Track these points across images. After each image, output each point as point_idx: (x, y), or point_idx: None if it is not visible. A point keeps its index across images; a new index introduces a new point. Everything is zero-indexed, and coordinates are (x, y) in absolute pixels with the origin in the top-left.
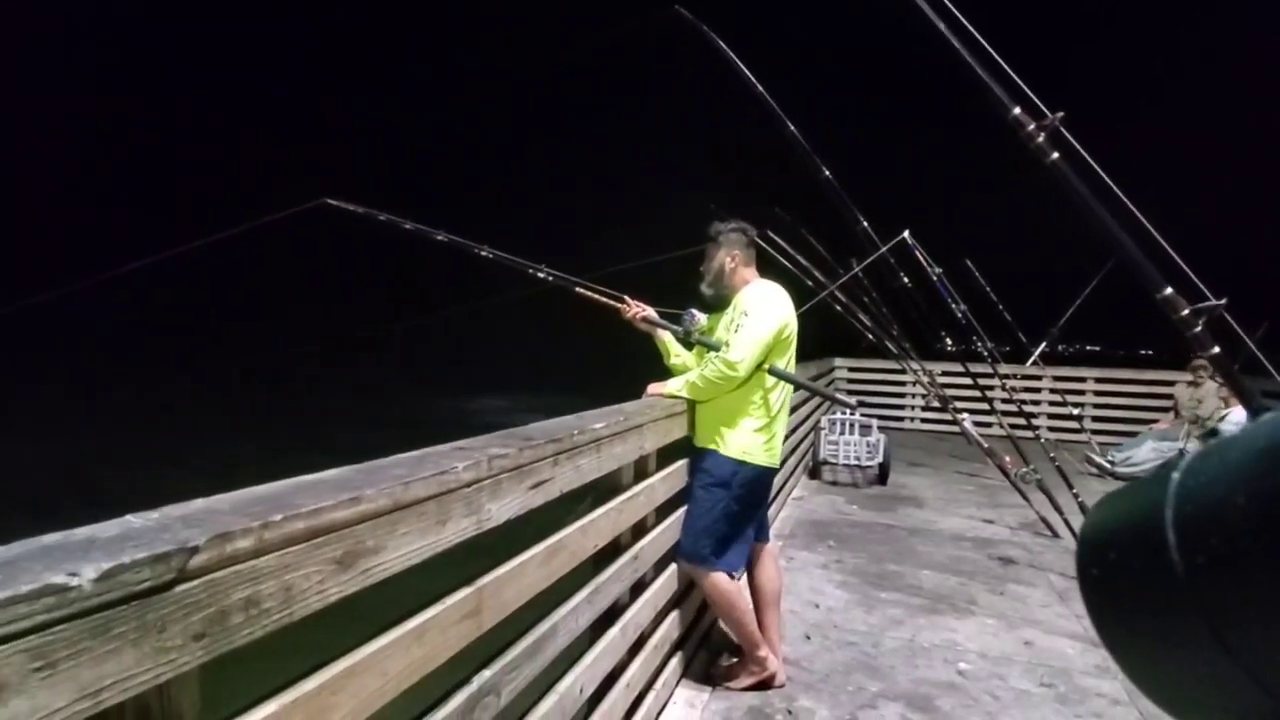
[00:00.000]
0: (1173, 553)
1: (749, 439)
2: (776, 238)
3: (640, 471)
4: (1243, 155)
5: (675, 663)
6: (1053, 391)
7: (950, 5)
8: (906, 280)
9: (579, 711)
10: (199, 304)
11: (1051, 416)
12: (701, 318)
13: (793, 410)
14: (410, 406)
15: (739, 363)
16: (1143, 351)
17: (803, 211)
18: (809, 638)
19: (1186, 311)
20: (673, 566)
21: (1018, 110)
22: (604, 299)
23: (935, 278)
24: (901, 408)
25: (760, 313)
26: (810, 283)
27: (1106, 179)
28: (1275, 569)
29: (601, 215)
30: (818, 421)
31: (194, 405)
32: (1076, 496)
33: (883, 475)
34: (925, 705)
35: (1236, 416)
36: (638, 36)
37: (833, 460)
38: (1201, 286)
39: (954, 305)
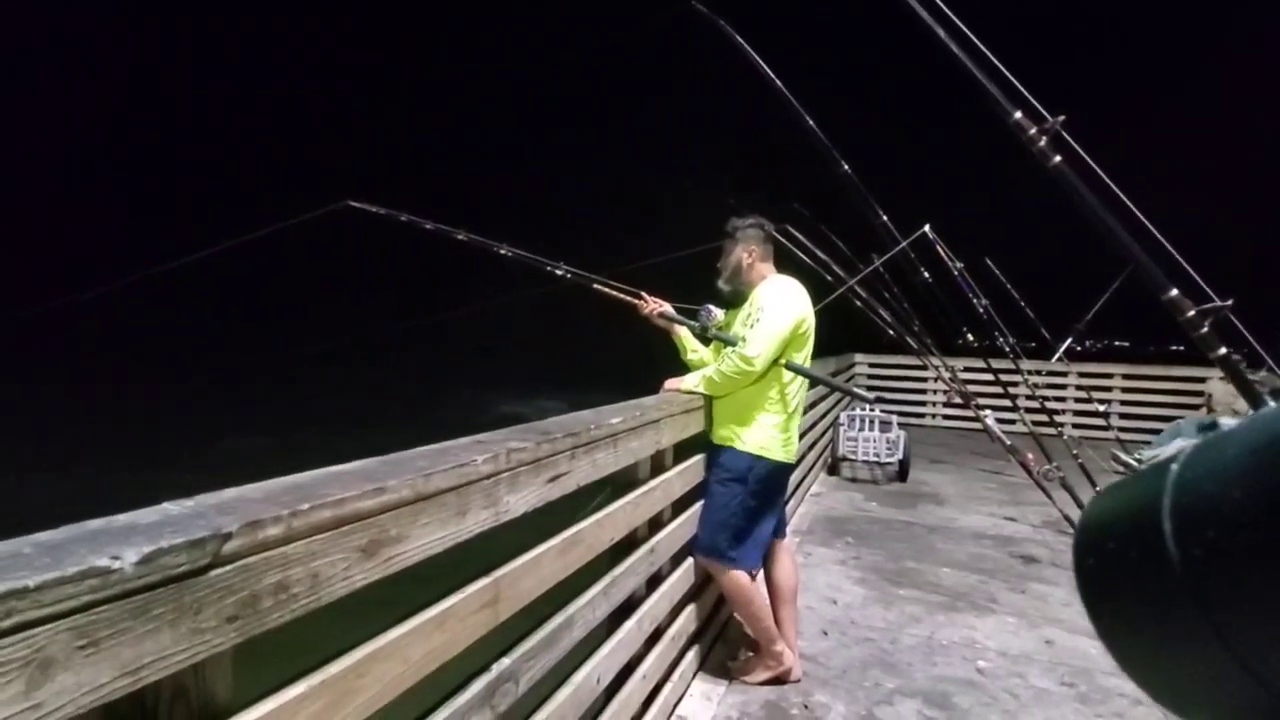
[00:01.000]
0: (1169, 545)
1: (766, 434)
2: (795, 233)
3: (657, 466)
4: (1256, 153)
5: (692, 656)
6: (1078, 388)
7: (947, 9)
8: (927, 275)
9: (596, 701)
10: (222, 306)
11: (1077, 414)
12: (719, 313)
13: (812, 406)
14: (431, 403)
15: (755, 358)
16: (1174, 347)
17: (822, 207)
18: (826, 633)
19: (1193, 313)
20: (689, 560)
21: (1019, 115)
22: (621, 295)
23: (957, 272)
24: (922, 404)
25: (777, 308)
26: (830, 278)
27: (1109, 182)
28: (1271, 564)
29: (619, 213)
30: (836, 417)
31: (213, 403)
32: (1099, 493)
33: (903, 472)
34: (943, 702)
35: None
36: (655, 33)
37: (851, 457)
38: (1205, 288)
39: (976, 300)
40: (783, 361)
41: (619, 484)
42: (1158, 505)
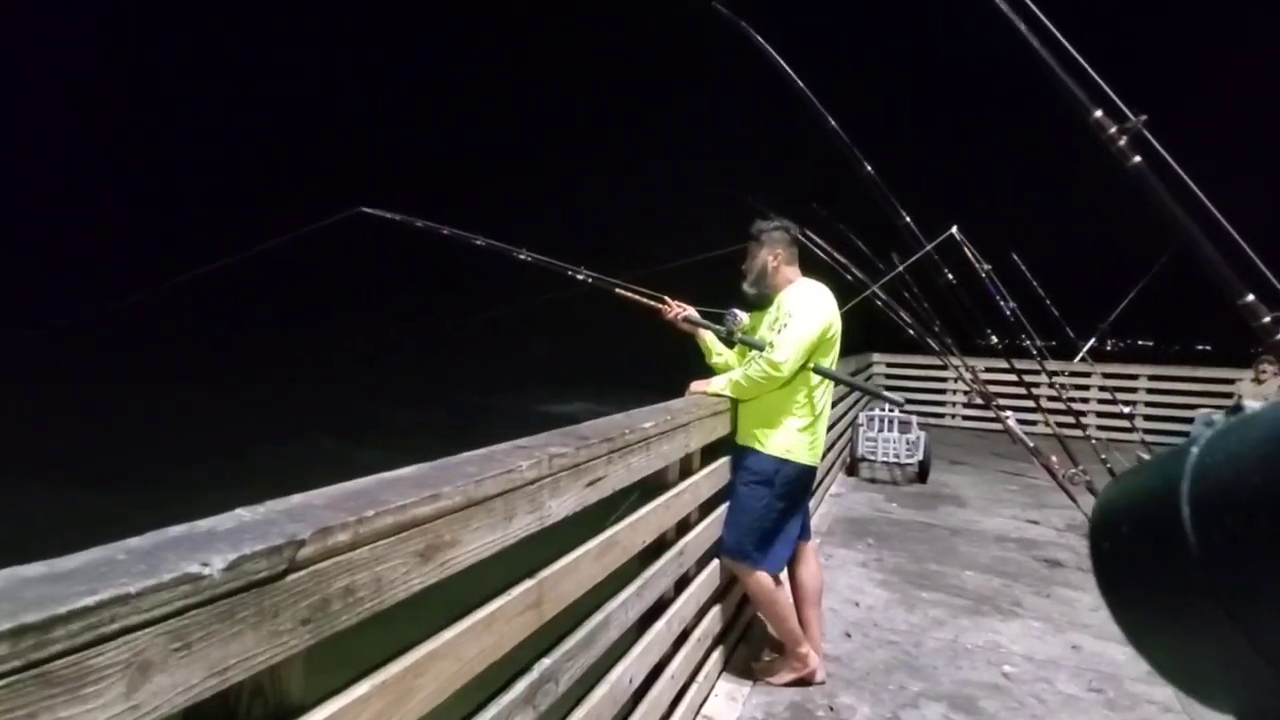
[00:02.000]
0: (1187, 530)
1: (792, 437)
2: (813, 234)
3: (685, 469)
4: None
5: (717, 656)
6: (1102, 389)
7: (1031, 4)
8: (951, 277)
9: (627, 701)
10: (245, 309)
11: (1101, 415)
12: (744, 317)
13: (832, 406)
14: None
15: (783, 363)
16: (1199, 346)
17: (845, 207)
18: (849, 635)
19: (1268, 319)
20: (715, 562)
21: (1099, 113)
22: (645, 300)
23: (984, 275)
24: (942, 404)
25: (805, 313)
26: (850, 278)
27: (1190, 183)
28: None
29: (639, 216)
30: (855, 418)
31: (245, 406)
32: None
33: (923, 473)
34: (969, 706)
35: None
36: (675, 35)
37: (871, 457)
38: None
39: (1003, 303)
40: (810, 365)
41: (649, 487)
42: (1176, 490)
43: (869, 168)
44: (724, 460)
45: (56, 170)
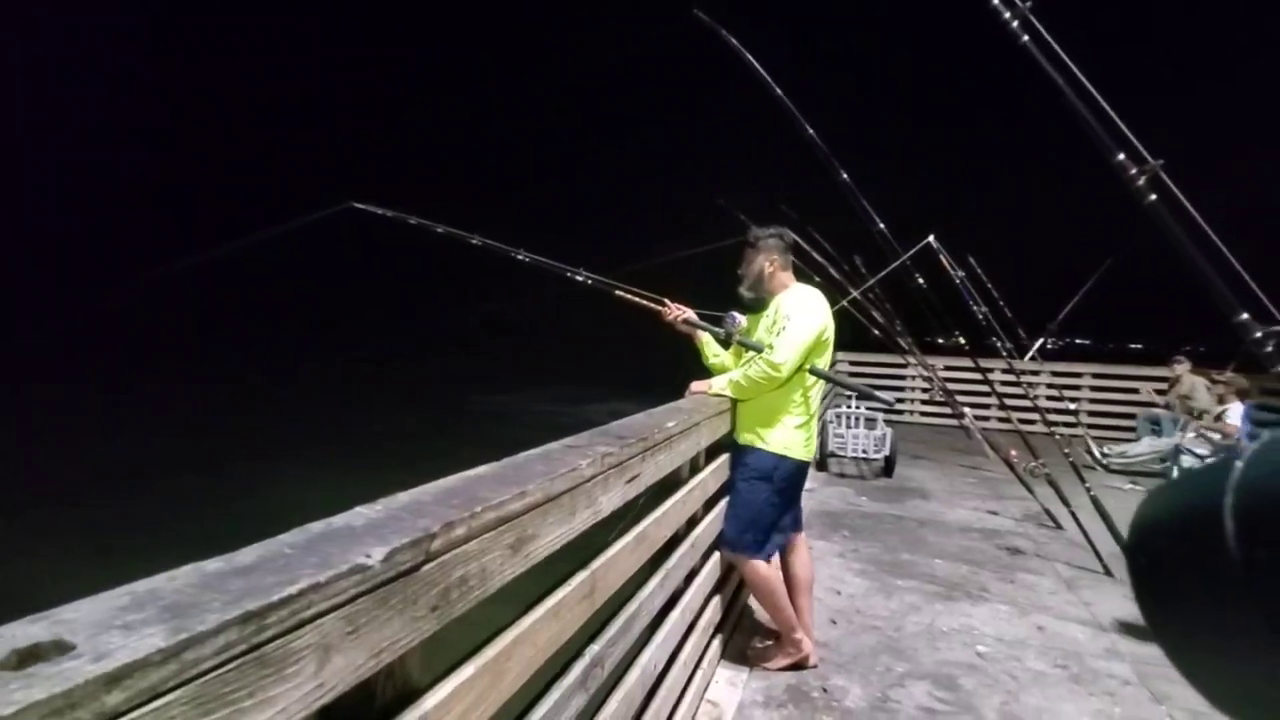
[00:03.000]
0: (1230, 544)
1: (789, 435)
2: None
3: (694, 466)
4: None
5: (716, 644)
6: (1050, 386)
7: (1065, 58)
8: (922, 281)
9: (652, 685)
10: (237, 306)
11: (1049, 411)
12: (742, 320)
13: None
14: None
15: (782, 364)
16: (1131, 345)
17: (821, 212)
18: (834, 622)
19: (1260, 334)
20: (715, 554)
21: (1121, 156)
22: (644, 302)
23: (958, 280)
24: (901, 400)
25: (802, 317)
26: (818, 279)
27: (1201, 221)
28: None
29: (628, 220)
30: (824, 415)
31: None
32: (1089, 490)
33: (888, 468)
34: (950, 684)
35: (1235, 411)
36: (658, 42)
37: (840, 453)
38: (1273, 309)
39: (975, 306)
40: (807, 367)
41: (667, 484)
42: (1218, 503)
43: (844, 175)
44: (724, 457)
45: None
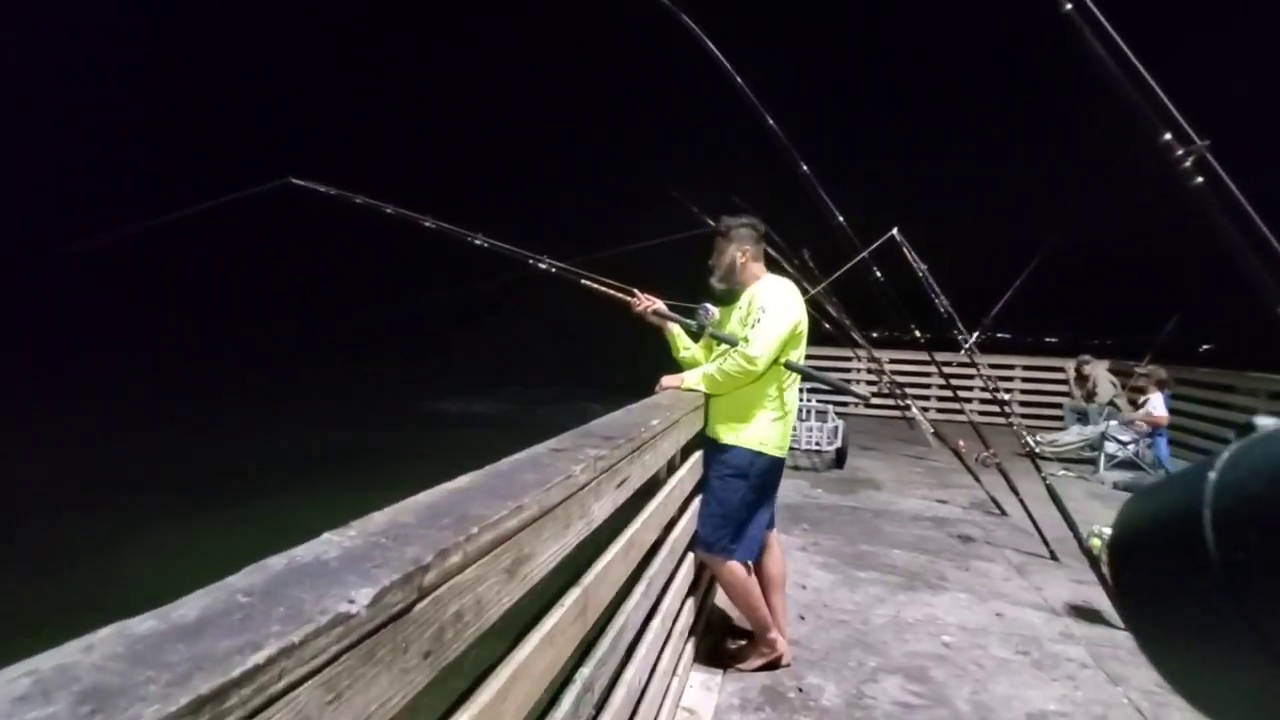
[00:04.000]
0: (1210, 546)
1: (765, 430)
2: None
3: (671, 466)
4: None
5: (689, 648)
6: (984, 378)
7: (1114, 33)
8: (880, 275)
9: (635, 701)
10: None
11: (983, 402)
12: (716, 312)
13: None
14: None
15: (759, 357)
16: (1047, 339)
17: (781, 207)
18: (803, 618)
19: None
20: (690, 556)
21: (1168, 135)
22: (613, 292)
23: (922, 274)
24: (846, 393)
25: (778, 309)
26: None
27: (1246, 205)
28: None
29: (587, 209)
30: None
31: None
32: (1045, 479)
33: (840, 459)
34: (921, 676)
35: (1157, 400)
36: (620, 30)
37: (794, 445)
38: None
39: (937, 300)
40: (782, 361)
41: (648, 486)
42: (1197, 512)
43: (804, 166)
44: (698, 455)
45: None
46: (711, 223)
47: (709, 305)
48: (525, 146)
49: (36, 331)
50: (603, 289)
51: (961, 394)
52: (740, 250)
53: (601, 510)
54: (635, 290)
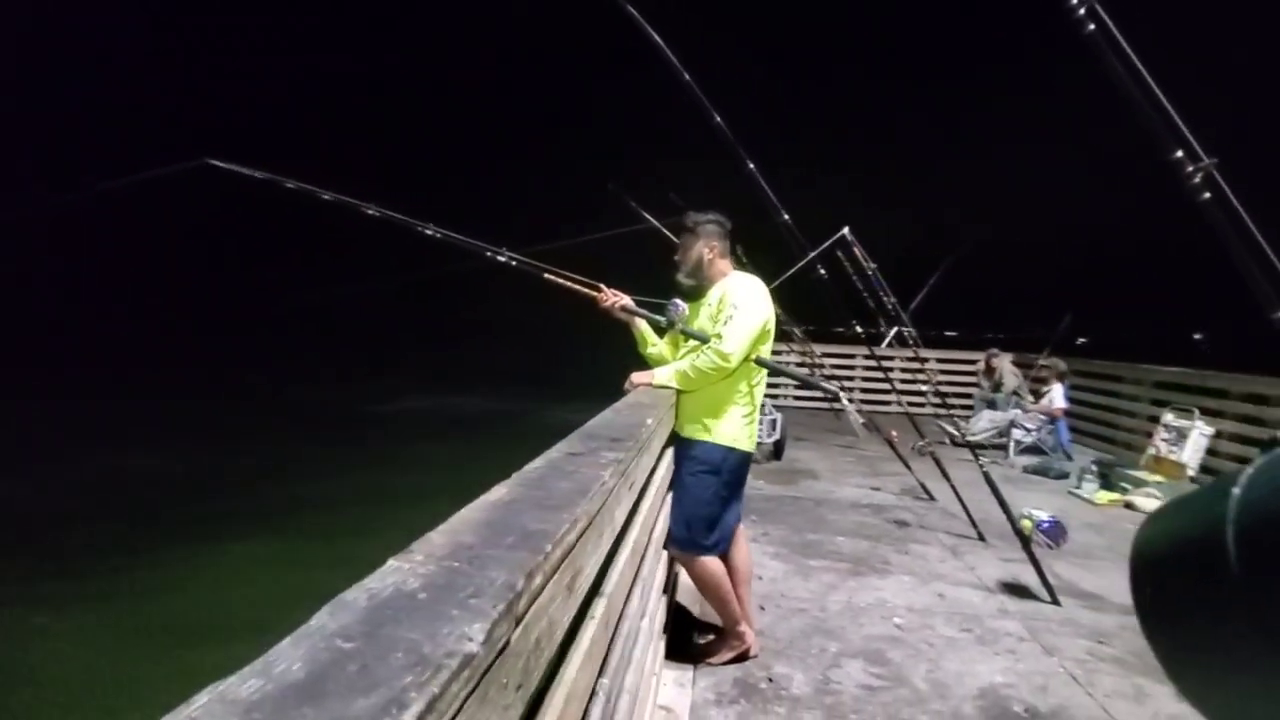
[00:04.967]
0: (1232, 562)
1: (737, 426)
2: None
3: (656, 465)
4: None
5: (661, 645)
6: (903, 370)
7: (1130, 52)
8: (824, 272)
9: (632, 707)
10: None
11: (902, 392)
12: (685, 308)
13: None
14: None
15: (731, 354)
16: (947, 333)
17: (724, 204)
18: (763, 608)
19: None
20: (663, 554)
21: (1180, 153)
22: (577, 286)
23: (870, 273)
24: (776, 385)
25: (749, 306)
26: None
27: (1249, 223)
28: None
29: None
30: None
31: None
32: (982, 467)
33: (778, 451)
34: (879, 659)
35: (1058, 391)
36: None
37: None
38: None
39: (885, 297)
40: (753, 357)
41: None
42: (1220, 528)
43: (751, 164)
44: (669, 452)
45: None
46: (650, 218)
47: (679, 301)
48: (473, 140)
49: None
50: (568, 284)
51: (900, 386)
52: (708, 246)
53: (620, 515)
54: (602, 285)
